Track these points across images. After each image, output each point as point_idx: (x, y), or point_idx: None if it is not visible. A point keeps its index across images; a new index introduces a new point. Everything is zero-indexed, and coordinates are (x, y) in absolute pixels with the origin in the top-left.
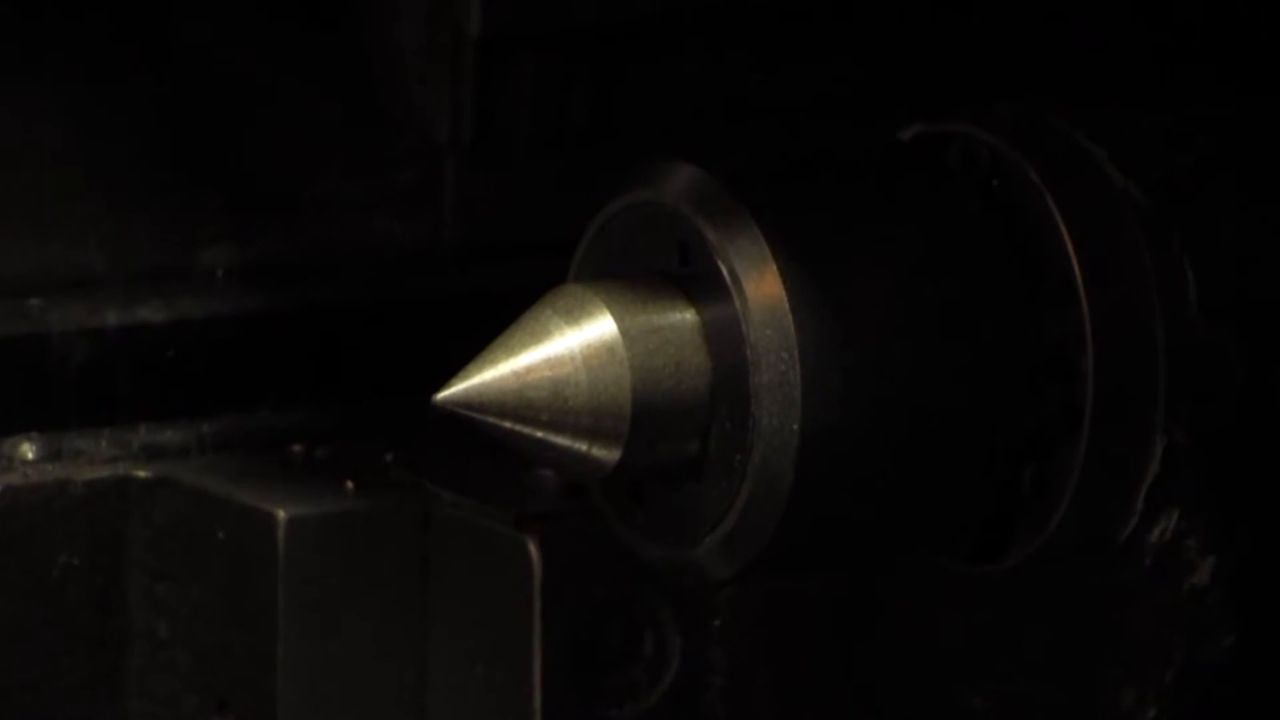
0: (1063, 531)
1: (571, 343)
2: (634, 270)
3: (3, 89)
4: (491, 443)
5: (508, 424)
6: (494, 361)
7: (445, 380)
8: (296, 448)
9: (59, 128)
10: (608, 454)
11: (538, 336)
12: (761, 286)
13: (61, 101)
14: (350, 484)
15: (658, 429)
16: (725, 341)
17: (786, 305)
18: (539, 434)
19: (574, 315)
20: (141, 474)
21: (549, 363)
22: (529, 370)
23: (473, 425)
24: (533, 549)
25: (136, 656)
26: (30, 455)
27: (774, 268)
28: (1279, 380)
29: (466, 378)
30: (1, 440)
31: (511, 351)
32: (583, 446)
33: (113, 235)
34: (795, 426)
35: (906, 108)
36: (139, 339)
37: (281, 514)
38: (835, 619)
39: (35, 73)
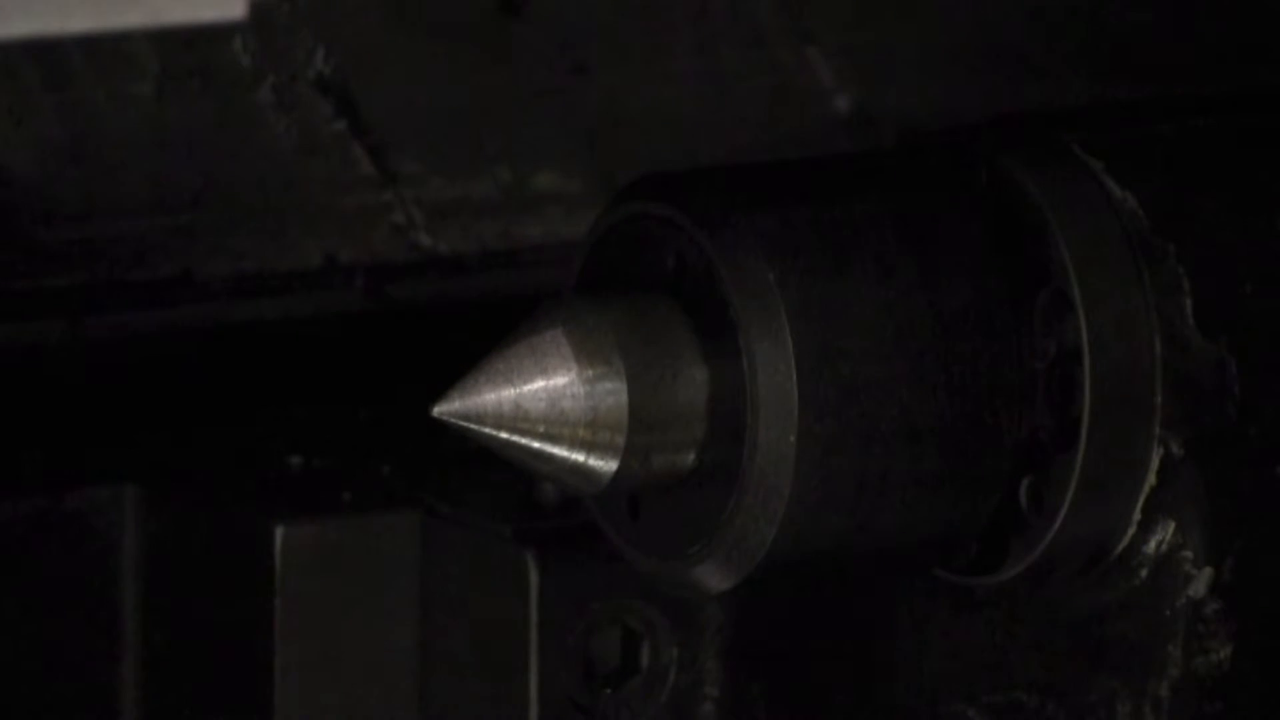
0: (1059, 543)
1: (568, 354)
2: (631, 282)
3: None
4: (489, 454)
5: (505, 435)
6: (491, 373)
7: (443, 392)
8: (294, 459)
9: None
10: (605, 465)
11: (535, 348)
12: (758, 298)
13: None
14: (348, 496)
15: (654, 441)
16: (722, 354)
17: (784, 317)
18: (536, 445)
19: (571, 327)
20: (138, 486)
21: (546, 374)
22: (526, 382)
23: (470, 437)
24: (530, 561)
25: (133, 668)
26: (27, 466)
27: (770, 279)
28: (1275, 392)
29: (464, 389)
30: None
31: (509, 363)
32: (580, 458)
33: (109, 247)
34: (792, 439)
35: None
36: (135, 350)
37: (279, 526)
38: (831, 631)
39: None
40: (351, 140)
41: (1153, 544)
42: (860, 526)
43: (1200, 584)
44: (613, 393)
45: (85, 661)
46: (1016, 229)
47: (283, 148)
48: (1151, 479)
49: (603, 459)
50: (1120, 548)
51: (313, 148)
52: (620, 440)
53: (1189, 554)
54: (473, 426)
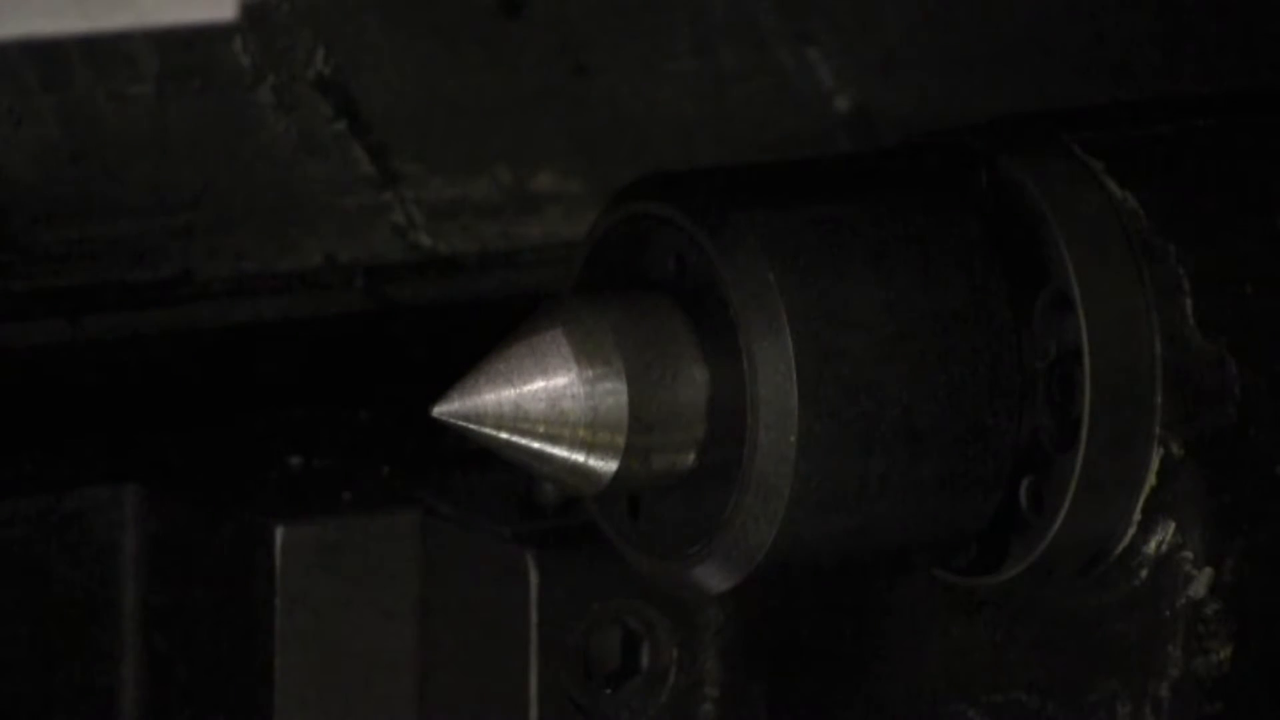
0: (1059, 543)
1: (568, 355)
2: (631, 282)
3: None
4: (489, 454)
5: (505, 436)
6: (491, 374)
7: (443, 392)
8: (294, 459)
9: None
10: (605, 466)
11: (535, 348)
12: (758, 299)
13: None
14: (348, 496)
15: (654, 441)
16: (722, 354)
17: (784, 317)
18: (536, 446)
19: (571, 327)
20: (138, 485)
21: (546, 375)
22: (526, 382)
23: (470, 437)
24: (530, 562)
25: (133, 669)
26: (27, 466)
27: (770, 279)
28: (1275, 392)
29: (464, 390)
30: None
31: (509, 363)
32: (580, 458)
33: (109, 247)
34: (792, 439)
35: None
36: (136, 349)
37: (279, 526)
38: (831, 632)
39: None
40: (351, 140)
41: (1153, 544)
42: (860, 527)
43: (1200, 584)
44: (613, 393)
45: (85, 661)
46: (1016, 229)
47: (283, 148)
48: (1151, 479)
49: (603, 459)
50: (1120, 548)
51: (313, 148)
52: (620, 440)
53: (1189, 554)
54: (473, 427)
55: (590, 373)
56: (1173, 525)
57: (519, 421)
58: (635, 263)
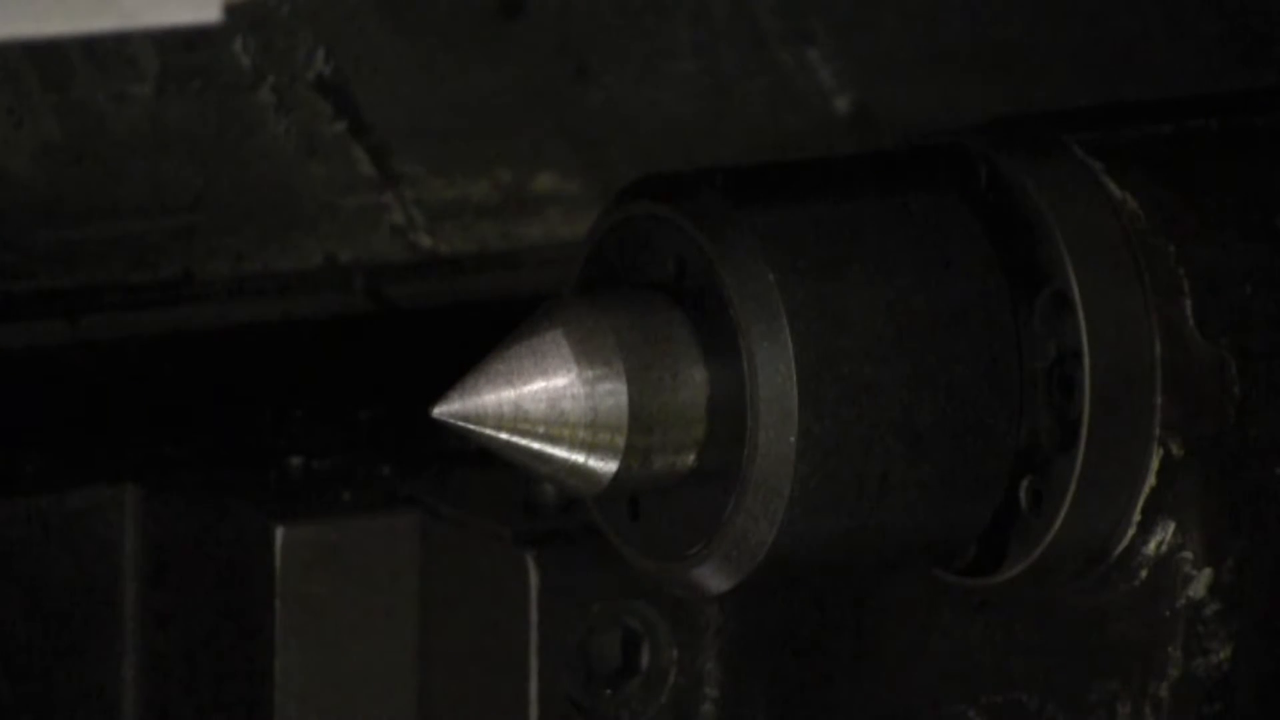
0: (1059, 544)
1: (568, 356)
2: (631, 282)
3: None
4: (489, 455)
5: (505, 436)
6: (491, 374)
7: (443, 393)
8: (294, 460)
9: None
10: (604, 467)
11: (535, 349)
12: (758, 299)
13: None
14: (348, 496)
15: (655, 442)
16: (722, 354)
17: (784, 318)
18: (536, 446)
19: (571, 328)
20: (139, 486)
21: (546, 375)
22: (526, 383)
23: (470, 438)
24: (530, 563)
25: (133, 669)
26: (27, 466)
27: (771, 279)
28: (1275, 392)
29: (464, 390)
30: None
31: (509, 364)
32: (580, 459)
33: (109, 247)
34: (792, 439)
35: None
36: (136, 349)
37: (279, 527)
38: (831, 632)
39: None
40: (351, 141)
41: (1153, 544)
42: (860, 527)
43: (1200, 585)
44: (613, 394)
45: (85, 661)
46: (1016, 229)
47: (283, 148)
48: (1151, 479)
49: (603, 460)
50: (1120, 548)
51: (313, 148)
52: (620, 441)
53: (1189, 554)
54: (473, 427)
55: (590, 373)
56: (1173, 525)
57: (519, 422)
58: (635, 263)
